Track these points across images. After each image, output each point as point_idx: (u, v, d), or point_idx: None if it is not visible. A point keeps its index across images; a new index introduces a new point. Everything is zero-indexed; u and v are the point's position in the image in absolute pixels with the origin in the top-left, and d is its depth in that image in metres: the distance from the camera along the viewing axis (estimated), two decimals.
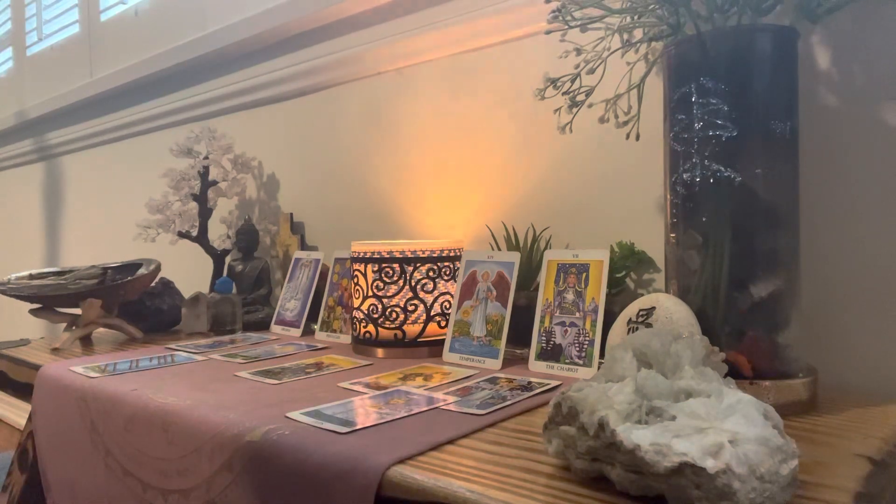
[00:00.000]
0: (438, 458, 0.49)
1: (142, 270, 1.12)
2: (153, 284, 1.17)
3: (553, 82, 0.74)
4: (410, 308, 0.87)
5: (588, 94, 0.73)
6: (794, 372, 0.61)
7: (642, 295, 0.73)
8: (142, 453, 0.66)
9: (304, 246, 1.30)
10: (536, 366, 0.77)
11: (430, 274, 0.87)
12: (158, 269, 1.14)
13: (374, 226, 1.19)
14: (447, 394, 0.66)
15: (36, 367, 0.87)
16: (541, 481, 0.45)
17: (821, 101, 0.71)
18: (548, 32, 0.71)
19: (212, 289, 1.21)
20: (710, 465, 0.37)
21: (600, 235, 0.90)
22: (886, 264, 0.68)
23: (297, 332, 1.07)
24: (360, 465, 0.47)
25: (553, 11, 0.69)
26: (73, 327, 1.06)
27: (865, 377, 0.69)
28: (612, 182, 0.89)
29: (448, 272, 0.89)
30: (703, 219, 0.62)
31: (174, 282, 1.23)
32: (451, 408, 0.61)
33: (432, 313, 0.88)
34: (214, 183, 1.29)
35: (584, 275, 0.77)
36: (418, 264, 0.87)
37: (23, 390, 0.92)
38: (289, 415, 0.59)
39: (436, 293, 0.88)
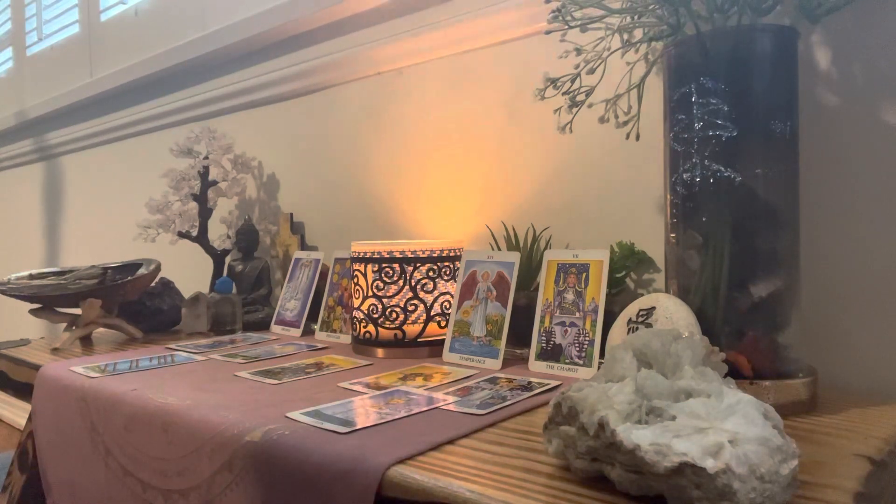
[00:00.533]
0: (438, 458, 0.49)
1: (142, 270, 1.12)
2: (153, 284, 1.17)
3: (553, 82, 0.74)
4: (410, 308, 0.87)
5: (588, 94, 0.73)
6: (794, 372, 0.61)
7: (642, 295, 0.73)
8: (142, 453, 0.66)
9: (304, 246, 1.30)
10: (536, 366, 0.77)
11: (430, 274, 0.87)
12: (158, 269, 1.14)
13: (375, 226, 1.19)
14: (447, 394, 0.66)
15: (36, 367, 0.87)
16: (541, 481, 0.45)
17: (821, 101, 0.71)
18: (548, 32, 0.71)
19: (212, 289, 1.21)
20: (710, 465, 0.37)
21: (600, 235, 0.90)
22: (886, 264, 0.68)
23: (297, 332, 1.07)
24: (360, 465, 0.47)
25: (553, 11, 0.69)
26: (73, 327, 1.06)
27: (865, 377, 0.69)
28: (612, 182, 0.89)
29: (448, 272, 0.89)
30: (703, 219, 0.62)
31: (174, 282, 1.23)
32: (451, 408, 0.61)
33: (432, 313, 0.88)
34: (214, 183, 1.29)
35: (584, 275, 0.77)
36: (418, 264, 0.87)
37: (23, 390, 0.92)
38: (289, 415, 0.59)
39: (436, 293, 0.88)
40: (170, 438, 0.63)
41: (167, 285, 1.20)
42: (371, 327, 0.88)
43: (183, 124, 1.57)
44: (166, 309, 1.17)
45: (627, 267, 0.84)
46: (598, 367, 0.65)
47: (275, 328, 1.12)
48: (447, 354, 0.84)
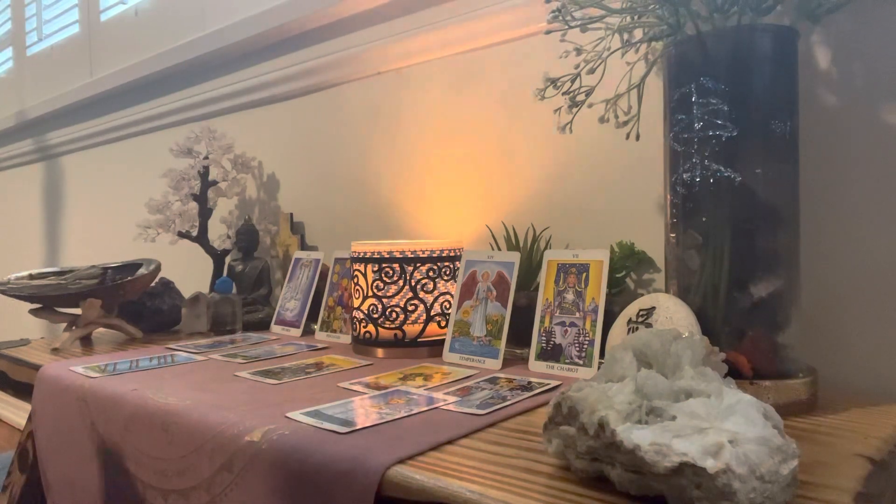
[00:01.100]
0: (438, 458, 0.49)
1: (142, 270, 1.12)
2: (153, 284, 1.17)
3: (553, 82, 0.74)
4: (410, 308, 0.87)
5: (588, 94, 0.73)
6: (794, 372, 0.61)
7: (642, 295, 0.73)
8: (142, 453, 0.66)
9: (304, 246, 1.30)
10: (536, 366, 0.77)
11: (430, 274, 0.87)
12: (158, 269, 1.14)
13: (374, 226, 1.19)
14: (447, 394, 0.66)
15: (36, 367, 0.87)
16: (541, 481, 0.45)
17: (821, 101, 0.71)
18: (548, 32, 0.71)
19: (212, 289, 1.21)
20: (710, 465, 0.37)
21: (600, 235, 0.90)
22: (886, 264, 0.68)
23: (297, 332, 1.07)
24: (360, 465, 0.47)
25: (553, 11, 0.68)
26: (73, 327, 1.06)
27: (865, 377, 0.69)
28: (612, 182, 0.89)
29: (448, 272, 0.89)
30: (703, 219, 0.62)
31: (174, 282, 1.23)
32: (451, 408, 0.61)
33: (432, 313, 0.88)
34: (214, 183, 1.29)
35: (584, 275, 0.77)
36: (418, 264, 0.87)
37: (23, 390, 0.92)
38: (289, 415, 0.59)
39: (436, 293, 0.88)
40: (170, 438, 0.63)
41: (167, 285, 1.20)
42: (371, 327, 0.88)
43: (183, 124, 1.57)
44: (166, 309, 1.17)
45: (627, 267, 0.84)
46: (598, 367, 0.65)
47: (275, 328, 1.12)
48: (447, 354, 0.84)
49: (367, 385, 0.71)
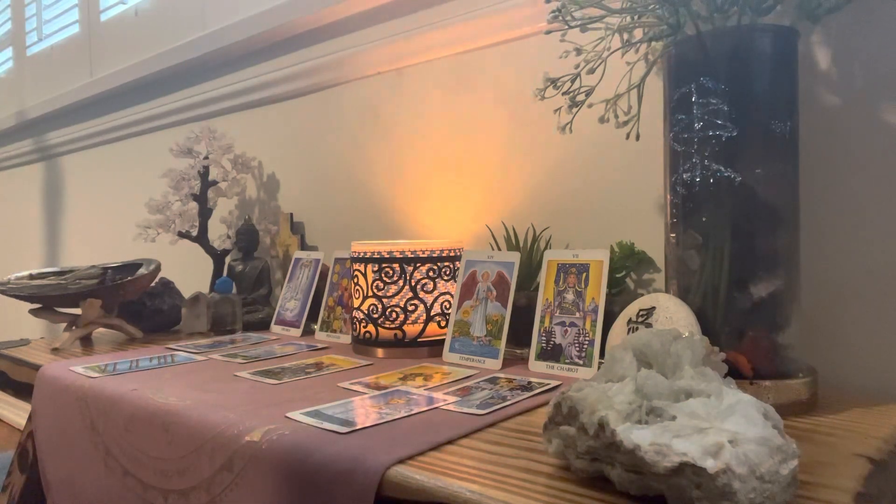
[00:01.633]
0: (438, 458, 0.49)
1: (142, 270, 1.12)
2: (153, 284, 1.17)
3: (553, 82, 0.74)
4: (410, 308, 0.87)
5: (588, 94, 0.73)
6: (794, 372, 0.61)
7: (642, 295, 0.73)
8: (142, 453, 0.66)
9: (304, 246, 1.30)
10: (536, 366, 0.77)
11: (430, 274, 0.87)
12: (158, 269, 1.14)
13: (374, 226, 1.19)
14: (447, 394, 0.66)
15: (36, 367, 0.87)
16: (541, 481, 0.45)
17: (821, 101, 0.71)
18: (548, 32, 0.72)
19: (212, 289, 1.21)
20: (710, 465, 0.37)
21: (600, 235, 0.90)
22: (887, 264, 0.68)
23: (297, 332, 1.07)
24: (360, 465, 0.47)
25: (553, 11, 0.68)
26: (73, 327, 1.06)
27: (865, 377, 0.69)
28: (612, 182, 0.89)
29: (448, 272, 0.89)
30: (703, 219, 0.62)
31: (174, 282, 1.23)
32: (451, 408, 0.61)
33: (432, 313, 0.88)
34: (214, 183, 1.29)
35: (584, 275, 0.77)
36: (418, 264, 0.87)
37: (23, 390, 0.92)
38: (289, 415, 0.59)
39: (436, 293, 0.88)
40: (170, 438, 0.63)
41: (167, 285, 1.20)
42: (371, 327, 0.88)
43: (183, 124, 1.57)
44: (166, 309, 1.17)
45: (627, 267, 0.84)
46: (598, 367, 0.65)
47: (275, 328, 1.12)
48: (447, 354, 0.84)
49: (367, 385, 0.71)
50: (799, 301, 0.63)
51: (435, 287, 0.88)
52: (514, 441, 0.53)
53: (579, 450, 0.44)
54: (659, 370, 0.47)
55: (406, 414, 0.59)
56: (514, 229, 0.95)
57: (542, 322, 0.78)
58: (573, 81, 0.73)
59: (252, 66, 1.37)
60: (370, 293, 0.88)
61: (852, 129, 0.70)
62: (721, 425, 0.40)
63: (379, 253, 0.87)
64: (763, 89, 0.60)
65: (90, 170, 1.95)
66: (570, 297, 0.77)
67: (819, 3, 0.63)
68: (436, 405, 0.62)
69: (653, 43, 0.72)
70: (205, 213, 1.28)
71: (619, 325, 0.67)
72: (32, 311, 1.09)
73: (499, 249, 0.97)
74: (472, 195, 1.05)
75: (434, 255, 0.88)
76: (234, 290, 1.18)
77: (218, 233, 1.30)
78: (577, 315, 0.76)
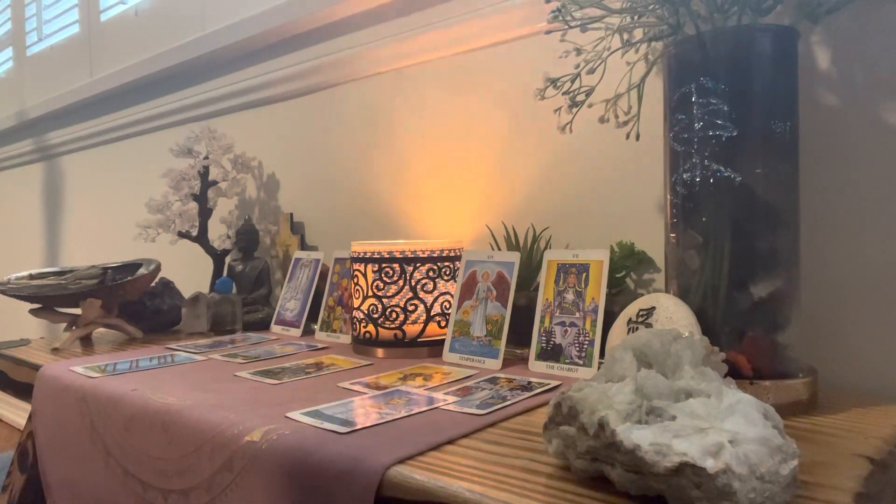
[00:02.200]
0: (438, 458, 0.49)
1: (142, 270, 1.12)
2: (153, 284, 1.17)
3: (553, 82, 0.74)
4: (410, 308, 0.87)
5: (588, 94, 0.73)
6: (794, 372, 0.61)
7: (642, 295, 0.73)
8: (142, 453, 0.66)
9: (304, 246, 1.30)
10: (536, 366, 0.77)
11: (430, 274, 0.87)
12: (158, 269, 1.14)
13: (374, 226, 1.19)
14: (447, 394, 0.66)
15: (36, 367, 0.87)
16: (541, 481, 0.45)
17: (821, 101, 0.71)
18: (548, 32, 0.71)
19: (212, 289, 1.21)
20: (710, 465, 0.37)
21: (600, 235, 0.90)
22: (887, 264, 0.68)
23: (297, 332, 1.07)
24: (360, 465, 0.47)
25: (553, 11, 0.68)
26: (73, 327, 1.06)
27: (865, 377, 0.69)
28: (612, 182, 0.89)
29: (448, 272, 0.89)
30: (703, 219, 0.62)
31: (174, 282, 1.23)
32: (451, 408, 0.61)
33: (432, 313, 0.88)
34: (214, 183, 1.29)
35: (584, 275, 0.77)
36: (418, 264, 0.87)
37: (23, 390, 0.92)
38: (289, 415, 0.59)
39: (436, 293, 0.88)
40: (170, 438, 0.63)
41: (167, 285, 1.20)
42: (371, 327, 0.88)
43: (183, 124, 1.57)
44: (166, 309, 1.17)
45: (627, 267, 0.84)
46: (598, 367, 0.65)
47: (275, 328, 1.12)
48: (447, 354, 0.84)
49: (367, 385, 0.71)
50: (799, 301, 0.63)
51: (435, 287, 0.88)
52: (514, 441, 0.53)
53: (579, 450, 0.44)
54: (659, 370, 0.47)
55: (406, 414, 0.59)
56: (514, 229, 0.95)
57: (542, 322, 0.78)
58: (573, 81, 0.73)
59: (252, 66, 1.37)
60: (370, 293, 0.88)
61: (852, 129, 0.70)
62: (721, 425, 0.40)
63: (379, 253, 0.87)
64: (763, 89, 0.60)
65: (90, 170, 1.95)
66: (570, 297, 0.77)
67: (819, 3, 0.63)
68: (436, 405, 0.62)
69: (653, 43, 0.72)
70: (205, 213, 1.28)
71: (619, 325, 0.67)
72: (32, 311, 1.09)
73: (499, 249, 0.97)
74: (472, 195, 1.05)
75: (434, 255, 0.88)
76: (234, 290, 1.18)
77: (218, 233, 1.30)
78: (577, 315, 0.76)
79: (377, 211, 1.19)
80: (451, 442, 0.52)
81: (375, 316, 0.88)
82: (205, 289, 1.25)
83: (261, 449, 0.54)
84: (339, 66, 1.21)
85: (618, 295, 0.84)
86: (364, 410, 0.61)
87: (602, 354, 0.70)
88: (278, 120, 1.36)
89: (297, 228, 1.32)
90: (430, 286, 0.87)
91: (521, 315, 0.82)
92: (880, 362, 0.69)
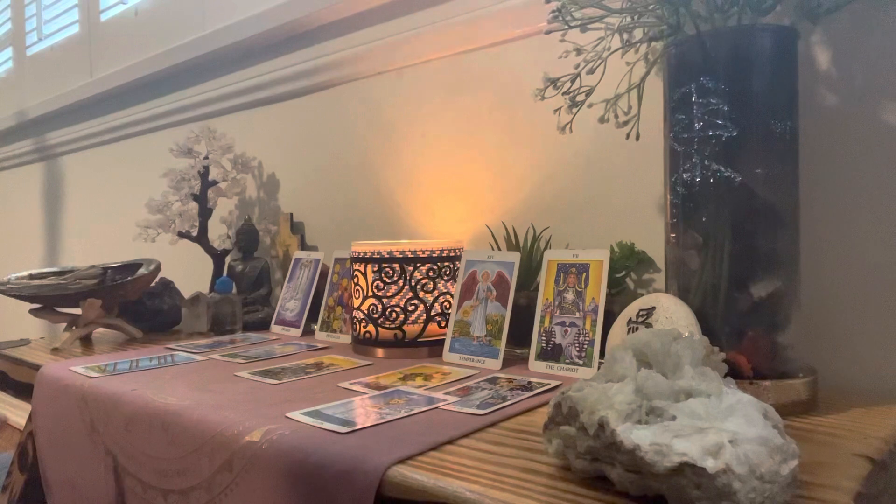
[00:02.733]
0: (438, 458, 0.49)
1: (142, 270, 1.12)
2: (153, 284, 1.17)
3: (553, 82, 0.74)
4: (410, 308, 0.87)
5: (588, 94, 0.73)
6: (794, 372, 0.61)
7: (642, 295, 0.73)
8: (142, 453, 0.66)
9: (304, 246, 1.30)
10: (536, 366, 0.77)
11: (430, 274, 0.87)
12: (158, 269, 1.14)
13: (374, 226, 1.19)
14: (447, 394, 0.66)
15: (36, 367, 0.87)
16: (541, 481, 0.45)
17: (821, 101, 0.71)
18: (548, 32, 0.71)
19: (212, 289, 1.21)
20: (710, 465, 0.37)
21: (600, 235, 0.90)
22: (886, 264, 0.68)
23: (297, 332, 1.07)
24: (360, 465, 0.47)
25: (553, 11, 0.69)
26: (73, 327, 1.06)
27: (865, 377, 0.69)
28: (612, 182, 0.89)
29: (448, 272, 0.89)
30: (703, 219, 0.62)
31: (174, 282, 1.23)
32: (451, 408, 0.61)
33: (432, 313, 0.88)
34: (214, 183, 1.29)
35: (584, 275, 0.77)
36: (418, 264, 0.87)
37: (23, 390, 0.92)
38: (289, 415, 0.59)
39: (436, 293, 0.88)
40: (170, 438, 0.63)
41: (167, 285, 1.20)
42: (371, 327, 0.88)
43: (183, 124, 1.57)
44: (166, 309, 1.17)
45: (627, 267, 0.84)
46: (598, 367, 0.65)
47: (275, 328, 1.12)
48: (447, 354, 0.84)
49: (367, 385, 0.71)
50: (799, 301, 0.63)
51: (435, 287, 0.88)
52: (514, 441, 0.53)
53: (579, 450, 0.44)
54: (659, 370, 0.47)
55: (406, 414, 0.59)
56: (514, 229, 0.95)
57: (542, 322, 0.78)
58: (573, 81, 0.73)
59: (252, 66, 1.37)
60: (370, 293, 0.88)
61: (852, 129, 0.70)
62: (721, 425, 0.40)
63: (379, 253, 0.87)
64: (763, 89, 0.60)
65: (90, 170, 1.95)
66: (570, 297, 0.77)
67: (819, 3, 0.64)
68: (436, 405, 0.62)
69: (653, 43, 0.72)
70: (205, 213, 1.28)
71: (619, 325, 0.67)
72: (32, 311, 1.08)
73: (499, 249, 0.97)
74: (472, 195, 1.05)
75: (434, 255, 0.88)
76: (234, 290, 1.18)
77: (218, 233, 1.30)
78: (577, 315, 0.76)
79: (377, 211, 1.19)
80: (451, 442, 0.52)
81: (375, 316, 0.88)
82: (205, 289, 1.25)
83: (261, 449, 0.54)
84: (339, 66, 1.21)
85: (618, 295, 0.84)
86: (364, 410, 0.61)
87: (602, 354, 0.70)
88: (278, 120, 1.36)
89: (297, 228, 1.32)
90: (430, 286, 0.87)
91: (521, 315, 0.82)
92: (880, 362, 0.69)
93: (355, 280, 0.91)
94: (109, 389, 0.73)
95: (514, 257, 0.83)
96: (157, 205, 1.25)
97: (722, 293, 0.61)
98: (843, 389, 0.68)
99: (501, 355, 0.79)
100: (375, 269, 0.88)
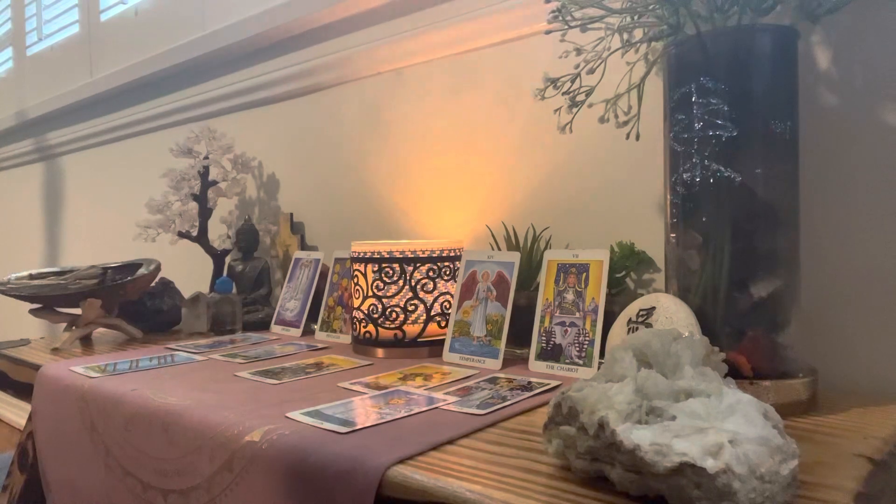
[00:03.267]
0: (438, 458, 0.49)
1: (142, 270, 1.12)
2: (153, 284, 1.17)
3: (553, 82, 0.74)
4: (410, 308, 0.87)
5: (588, 94, 0.73)
6: (794, 372, 0.61)
7: (642, 295, 0.73)
8: (142, 453, 0.66)
9: (304, 246, 1.30)
10: (536, 366, 0.77)
11: (430, 274, 0.87)
12: (158, 269, 1.14)
13: (374, 226, 1.19)
14: (447, 394, 0.66)
15: (36, 367, 0.87)
16: (541, 481, 0.45)
17: (821, 101, 0.71)
18: (548, 32, 0.71)
19: (212, 289, 1.21)
20: (710, 465, 0.37)
21: (600, 235, 0.90)
22: (886, 264, 0.68)
23: (297, 332, 1.07)
24: (360, 465, 0.47)
25: (553, 11, 0.69)
26: (73, 327, 1.06)
27: (865, 377, 0.69)
28: (612, 182, 0.89)
29: (448, 272, 0.89)
30: (703, 219, 0.62)
31: (174, 282, 1.23)
32: (451, 408, 0.61)
33: (432, 313, 0.88)
34: (214, 183, 1.29)
35: (584, 275, 0.77)
36: (418, 264, 0.87)
37: (23, 390, 0.92)
38: (289, 415, 0.59)
39: (436, 293, 0.88)
40: (170, 438, 0.63)
41: (167, 285, 1.20)
42: (371, 327, 0.88)
43: (183, 124, 1.57)
44: (166, 309, 1.17)
45: (627, 267, 0.84)
46: (598, 367, 0.65)
47: (275, 328, 1.12)
48: (447, 354, 0.84)
49: (367, 385, 0.71)
50: (799, 301, 0.63)
51: (435, 287, 0.88)
52: (514, 441, 0.53)
53: (579, 450, 0.44)
54: (659, 370, 0.47)
55: (406, 414, 0.59)
56: (514, 229, 0.95)
57: (542, 322, 0.78)
58: (573, 81, 0.73)
59: (252, 66, 1.37)
60: (370, 293, 0.88)
61: (852, 129, 0.70)
62: (721, 425, 0.40)
63: (379, 253, 0.87)
64: (763, 89, 0.60)
65: (90, 170, 1.95)
66: (570, 297, 0.77)
67: (819, 3, 0.64)
68: (436, 405, 0.62)
69: (653, 43, 0.72)
70: (205, 213, 1.28)
71: (619, 325, 0.67)
72: (32, 311, 1.08)
73: (499, 249, 0.97)
74: (472, 195, 1.05)
75: (434, 255, 0.88)
76: (234, 290, 1.18)
77: (218, 233, 1.30)
78: (577, 315, 0.76)
79: (377, 211, 1.19)
80: (451, 442, 0.52)
81: (375, 316, 0.88)
82: (205, 289, 1.25)
83: (261, 449, 0.54)
84: (338, 66, 1.21)
85: (618, 295, 0.84)
86: (364, 410, 0.61)
87: (602, 354, 0.70)
88: (278, 120, 1.36)
89: (297, 228, 1.32)
90: (430, 286, 0.87)
91: (521, 315, 0.82)
92: (880, 362, 0.69)
93: (355, 280, 0.91)
94: (109, 389, 0.73)
95: (514, 257, 0.83)
96: (157, 205, 1.25)
97: (722, 293, 0.61)
98: (843, 389, 0.68)
99: (501, 355, 0.79)
100: (375, 269, 0.88)
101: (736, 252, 0.61)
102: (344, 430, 0.54)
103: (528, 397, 0.64)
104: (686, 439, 0.39)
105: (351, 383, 0.72)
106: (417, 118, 1.12)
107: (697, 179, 0.62)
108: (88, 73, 1.88)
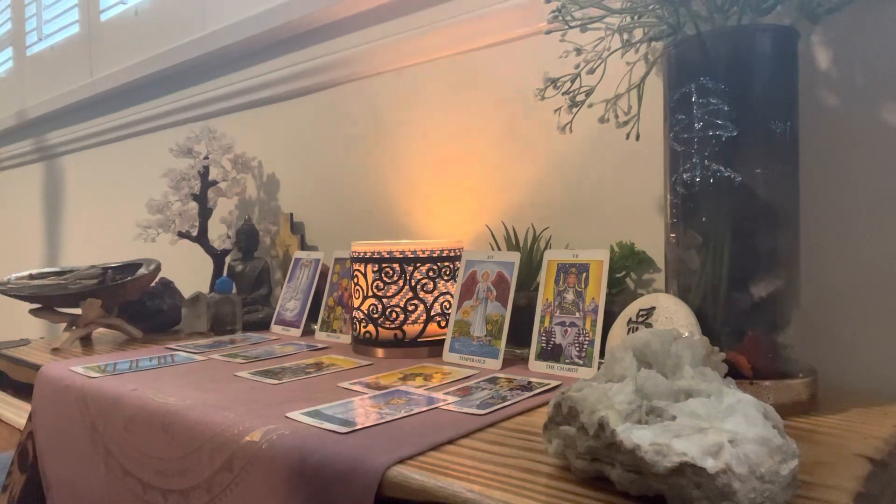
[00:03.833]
0: (438, 458, 0.49)
1: (142, 270, 1.12)
2: (153, 284, 1.17)
3: (553, 82, 0.74)
4: (410, 308, 0.87)
5: (588, 94, 0.73)
6: (794, 372, 0.61)
7: (642, 295, 0.73)
8: (142, 453, 0.66)
9: (304, 246, 1.30)
10: (536, 366, 0.77)
11: (430, 274, 0.87)
12: (158, 269, 1.14)
13: (374, 226, 1.19)
14: (447, 394, 0.66)
15: (36, 367, 0.87)
16: (541, 481, 0.45)
17: (821, 101, 0.71)
18: (548, 32, 0.71)
19: (212, 289, 1.21)
20: (710, 465, 0.37)
21: (600, 235, 0.90)
22: (886, 264, 0.68)
23: (297, 332, 1.07)
24: (360, 465, 0.47)
25: (553, 11, 0.69)
26: (73, 327, 1.06)
27: (865, 377, 0.69)
28: (612, 182, 0.89)
29: (448, 272, 0.89)
30: (703, 219, 0.62)
31: (174, 282, 1.23)
32: (451, 408, 0.61)
33: (432, 313, 0.88)
34: (214, 183, 1.29)
35: (584, 275, 0.77)
36: (418, 264, 0.87)
37: (23, 390, 0.92)
38: (289, 415, 0.59)
39: (436, 293, 0.88)
40: (170, 438, 0.63)
41: (167, 285, 1.20)
42: (371, 327, 0.88)
43: (183, 124, 1.57)
44: (166, 309, 1.17)
45: (627, 267, 0.84)
46: (598, 367, 0.65)
47: (275, 328, 1.12)
48: (447, 354, 0.84)
49: (367, 385, 0.71)
50: (799, 301, 0.63)
51: (435, 287, 0.88)
52: (514, 441, 0.53)
53: (579, 450, 0.44)
54: (659, 370, 0.47)
55: (406, 414, 0.59)
56: (514, 229, 0.95)
57: (542, 322, 0.78)
58: (573, 81, 0.73)
59: (252, 66, 1.37)
60: (370, 293, 0.88)
61: (852, 129, 0.70)
62: (721, 425, 0.40)
63: (379, 253, 0.87)
64: (763, 89, 0.60)
65: (90, 170, 1.95)
66: (570, 297, 0.77)
67: (819, 3, 0.64)
68: (436, 405, 0.62)
69: (653, 43, 0.72)
70: (205, 213, 1.28)
71: (619, 325, 0.67)
72: (32, 311, 1.08)
73: (499, 249, 0.97)
74: (472, 195, 1.05)
75: (434, 255, 0.88)
76: (234, 290, 1.18)
77: (218, 233, 1.30)
78: (577, 315, 0.76)
79: (377, 211, 1.19)
80: (451, 442, 0.52)
81: (375, 316, 0.88)
82: (205, 289, 1.25)
83: (261, 449, 0.54)
84: (339, 67, 1.21)
85: (618, 295, 0.84)
86: (364, 410, 0.61)
87: (602, 354, 0.70)
88: (278, 120, 1.36)
89: (297, 228, 1.32)
90: (430, 286, 0.87)
91: (521, 315, 0.82)
92: (880, 362, 0.69)
93: (355, 280, 0.91)
94: (109, 389, 0.73)
95: (514, 257, 0.83)
96: (157, 205, 1.25)
97: (722, 293, 0.61)
98: (843, 389, 0.68)
99: (501, 355, 0.79)
100: (375, 269, 0.88)
101: (736, 252, 0.61)
102: (344, 430, 0.54)
103: (528, 397, 0.64)
104: (686, 439, 0.39)
105: (351, 383, 0.72)
106: (417, 118, 1.12)
107: (697, 179, 0.62)
108: (88, 73, 1.88)
